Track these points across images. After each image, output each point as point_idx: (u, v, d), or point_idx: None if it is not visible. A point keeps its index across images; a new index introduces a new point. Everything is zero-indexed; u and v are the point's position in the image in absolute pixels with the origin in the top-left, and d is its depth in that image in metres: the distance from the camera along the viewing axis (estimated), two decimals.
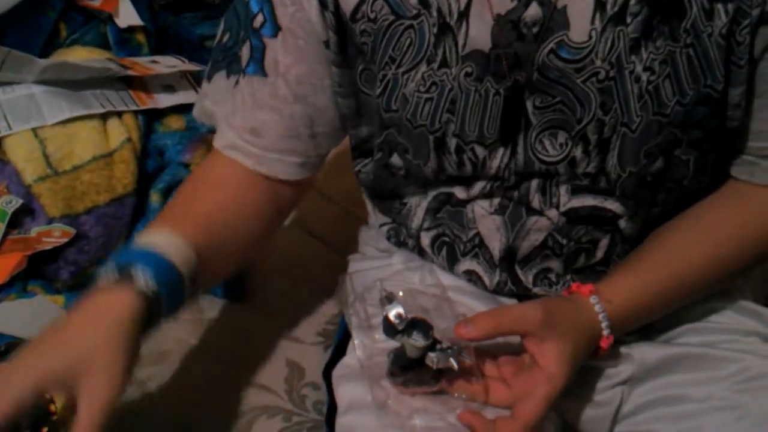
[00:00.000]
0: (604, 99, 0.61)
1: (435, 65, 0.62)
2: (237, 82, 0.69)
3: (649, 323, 0.73)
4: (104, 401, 0.53)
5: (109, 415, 0.52)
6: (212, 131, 1.07)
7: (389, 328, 0.60)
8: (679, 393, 0.69)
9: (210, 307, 0.95)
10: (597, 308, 0.63)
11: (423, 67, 0.63)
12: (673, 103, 0.61)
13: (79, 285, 0.96)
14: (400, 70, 0.63)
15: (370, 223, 0.85)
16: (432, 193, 0.70)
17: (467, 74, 0.62)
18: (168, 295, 0.59)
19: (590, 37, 0.60)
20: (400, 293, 0.66)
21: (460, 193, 0.68)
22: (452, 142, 0.64)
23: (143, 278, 0.57)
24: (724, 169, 0.70)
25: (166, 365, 0.87)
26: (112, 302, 0.56)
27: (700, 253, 0.67)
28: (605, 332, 0.64)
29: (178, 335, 0.91)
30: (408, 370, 0.62)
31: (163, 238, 0.61)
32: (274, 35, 0.66)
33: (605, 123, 0.61)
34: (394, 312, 0.60)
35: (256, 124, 0.69)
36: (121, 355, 0.55)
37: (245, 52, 0.68)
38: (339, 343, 0.75)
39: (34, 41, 1.03)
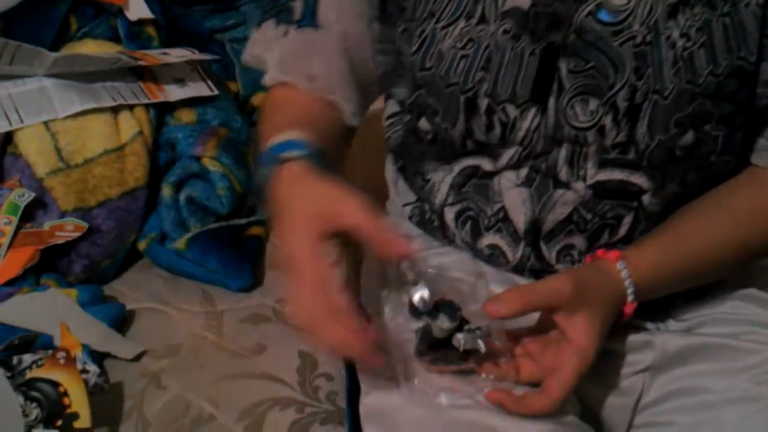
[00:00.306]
0: (638, 64, 0.61)
1: (474, 21, 0.64)
2: (287, 32, 0.73)
3: (670, 312, 0.73)
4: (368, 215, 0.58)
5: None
6: (223, 124, 1.09)
7: (414, 311, 0.60)
8: (699, 384, 0.69)
9: (221, 299, 0.96)
10: (624, 274, 0.64)
11: (461, 23, 0.64)
12: (707, 72, 0.62)
13: (91, 278, 0.96)
14: (439, 25, 0.65)
15: (389, 210, 0.85)
16: (457, 168, 0.71)
17: (505, 31, 0.63)
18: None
19: (629, 0, 0.60)
20: (429, 270, 0.65)
21: (486, 165, 0.69)
22: (483, 103, 0.65)
23: (291, 153, 0.62)
24: (747, 156, 0.70)
25: (178, 358, 0.87)
26: (297, 173, 0.61)
27: (723, 232, 0.68)
28: (630, 298, 0.64)
29: (190, 328, 0.91)
30: (435, 349, 0.62)
31: (288, 133, 0.66)
32: None
33: (637, 88, 0.62)
34: (418, 295, 0.60)
35: (310, 71, 0.74)
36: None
37: (298, 4, 0.73)
38: None
39: (44, 35, 1.04)
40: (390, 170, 0.84)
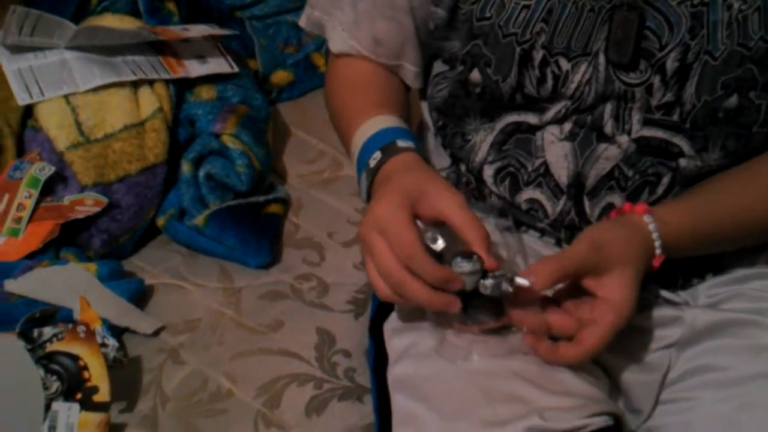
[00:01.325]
0: (693, 23, 0.63)
1: None
2: None
3: (699, 288, 0.73)
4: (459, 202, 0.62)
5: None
6: (243, 102, 1.08)
7: (431, 254, 0.60)
8: (725, 360, 0.69)
9: (240, 275, 0.96)
10: (651, 227, 0.64)
11: None
12: (758, 37, 0.63)
13: (110, 253, 0.97)
14: None
15: None
16: (500, 125, 0.71)
17: None
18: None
19: None
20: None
21: (531, 119, 0.70)
22: (538, 55, 0.66)
23: (405, 143, 0.66)
24: None
25: (196, 333, 0.88)
26: (408, 162, 0.65)
27: (753, 198, 0.68)
28: (658, 251, 0.64)
29: (208, 304, 0.92)
30: (467, 306, 0.62)
31: (385, 119, 0.69)
32: None
33: (690, 48, 0.63)
34: (430, 233, 0.61)
35: (378, 34, 0.74)
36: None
37: None
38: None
39: (64, 8, 1.03)
40: (422, 137, 0.83)
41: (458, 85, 0.72)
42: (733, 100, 0.64)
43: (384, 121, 0.69)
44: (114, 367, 0.78)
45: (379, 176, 0.65)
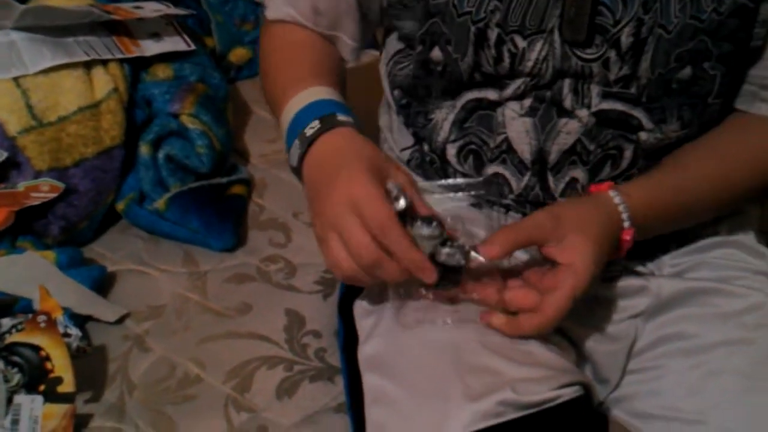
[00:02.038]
0: None
1: None
2: None
3: (663, 258, 0.73)
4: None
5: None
6: (200, 80, 1.06)
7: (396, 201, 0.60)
8: (690, 328, 0.70)
9: (204, 259, 0.94)
10: (617, 200, 0.64)
11: None
12: (711, 9, 0.63)
13: (69, 240, 0.94)
14: None
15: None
16: (460, 103, 0.71)
17: None
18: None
19: None
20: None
21: (491, 95, 0.69)
22: (493, 34, 0.65)
23: (345, 117, 0.65)
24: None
25: (161, 319, 0.86)
26: (351, 136, 0.64)
27: (711, 171, 0.69)
28: (626, 224, 0.64)
29: (173, 289, 0.90)
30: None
31: (324, 90, 0.68)
32: None
33: (644, 22, 0.63)
34: (395, 191, 0.60)
35: (318, 4, 0.73)
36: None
37: None
38: None
39: None
40: (384, 117, 0.83)
41: (419, 65, 0.71)
42: (687, 71, 0.65)
43: (323, 92, 0.67)
44: (78, 356, 0.76)
45: (320, 148, 0.63)
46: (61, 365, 0.73)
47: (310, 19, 0.74)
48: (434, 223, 0.60)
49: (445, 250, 0.60)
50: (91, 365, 0.79)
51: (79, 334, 0.78)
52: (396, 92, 0.78)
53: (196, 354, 0.82)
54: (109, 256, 0.94)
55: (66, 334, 0.76)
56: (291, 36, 0.75)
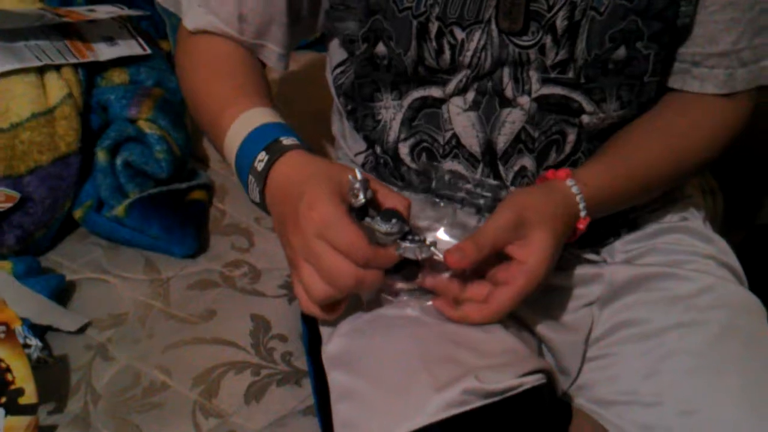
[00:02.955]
0: None
1: None
2: None
3: (615, 244, 0.76)
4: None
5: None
6: (157, 84, 1.04)
7: (354, 212, 0.60)
8: (642, 314, 0.73)
9: (166, 265, 0.93)
10: (574, 190, 0.66)
11: None
12: None
13: (25, 249, 0.92)
14: None
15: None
16: (407, 102, 0.72)
17: None
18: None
19: None
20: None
21: (436, 92, 0.70)
22: (434, 27, 0.66)
23: (288, 140, 0.64)
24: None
25: (124, 327, 0.85)
26: (300, 160, 0.63)
27: (658, 150, 0.71)
28: (582, 213, 0.66)
29: (135, 296, 0.89)
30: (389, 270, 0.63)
31: (260, 112, 0.67)
32: None
33: (577, 5, 0.65)
34: (358, 185, 0.60)
35: (243, 10, 0.71)
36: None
37: None
38: None
39: None
40: (337, 125, 0.83)
41: (365, 63, 0.72)
42: (621, 51, 0.67)
43: (260, 115, 0.66)
44: (39, 367, 0.75)
45: (274, 181, 0.63)
46: (22, 376, 0.72)
47: (234, 27, 0.72)
48: (393, 220, 0.60)
49: (405, 244, 0.60)
50: (53, 376, 0.77)
51: (39, 344, 0.76)
52: (342, 99, 0.78)
53: (161, 361, 0.81)
54: (67, 265, 0.92)
55: (26, 345, 0.75)
56: (213, 50, 0.73)
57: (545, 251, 0.62)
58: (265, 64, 0.77)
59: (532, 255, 0.62)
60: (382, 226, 0.60)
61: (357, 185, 0.60)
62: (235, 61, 0.73)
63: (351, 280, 0.58)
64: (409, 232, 0.61)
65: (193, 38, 0.74)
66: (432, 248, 0.61)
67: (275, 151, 0.63)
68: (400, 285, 0.65)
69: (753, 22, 0.69)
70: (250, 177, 0.64)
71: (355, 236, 0.57)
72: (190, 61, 0.75)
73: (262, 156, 0.63)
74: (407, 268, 0.64)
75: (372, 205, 0.62)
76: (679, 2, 0.67)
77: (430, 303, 0.66)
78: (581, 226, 0.66)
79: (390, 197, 0.62)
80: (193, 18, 0.73)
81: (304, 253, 0.59)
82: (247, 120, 0.66)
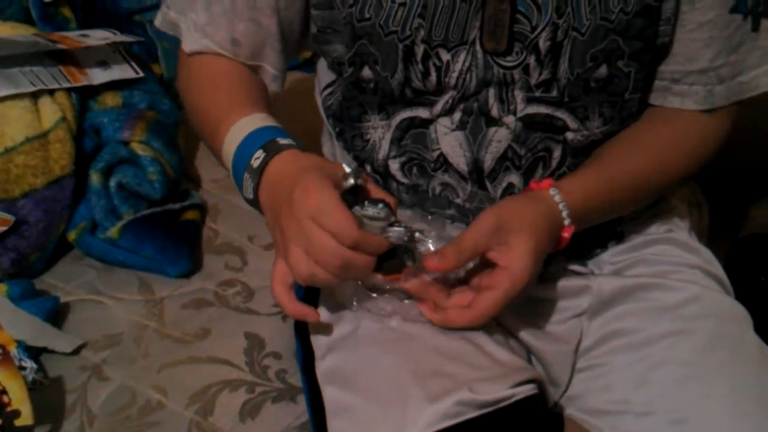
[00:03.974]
0: (559, 3, 0.66)
1: None
2: None
3: (603, 256, 0.77)
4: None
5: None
6: (150, 107, 1.06)
7: (343, 196, 0.61)
8: (631, 324, 0.73)
9: (160, 286, 0.94)
10: (557, 198, 0.67)
11: None
12: (618, 10, 0.67)
13: (20, 272, 0.92)
14: None
15: None
16: (395, 122, 0.73)
17: None
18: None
19: None
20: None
21: (423, 113, 0.72)
22: (420, 50, 0.68)
23: (286, 140, 0.66)
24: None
25: (119, 348, 0.85)
26: (295, 156, 0.65)
27: (642, 160, 0.73)
28: (566, 222, 0.67)
29: (129, 317, 0.89)
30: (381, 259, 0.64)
31: (259, 117, 0.69)
32: None
33: (559, 26, 0.66)
34: (348, 169, 0.61)
35: (236, 35, 0.73)
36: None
37: None
38: (305, 296, 0.75)
39: None
40: (327, 145, 0.85)
41: (351, 87, 0.74)
42: (603, 70, 0.68)
43: (258, 120, 0.69)
44: (34, 389, 0.75)
45: (270, 175, 0.65)
46: (18, 398, 0.72)
47: (228, 50, 0.74)
48: (380, 205, 0.61)
49: (392, 228, 0.62)
50: (49, 397, 0.78)
51: (35, 366, 0.77)
52: (331, 120, 0.80)
53: (156, 381, 0.81)
54: (62, 287, 0.93)
55: (21, 367, 0.75)
56: (213, 67, 0.76)
57: (528, 256, 0.63)
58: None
59: (514, 260, 0.63)
60: (368, 210, 0.61)
61: (348, 170, 0.62)
62: (233, 75, 0.75)
63: (338, 260, 0.59)
64: (395, 222, 0.62)
65: (192, 59, 0.76)
66: (418, 233, 0.62)
67: (271, 150, 0.65)
68: (380, 278, 0.66)
69: (729, 40, 0.70)
70: (246, 174, 0.66)
71: (345, 219, 0.59)
72: (190, 79, 0.77)
73: (259, 154, 0.65)
74: (391, 263, 0.65)
75: (360, 196, 0.63)
76: (658, 22, 0.69)
77: (414, 312, 0.66)
78: (566, 234, 0.67)
79: (380, 193, 0.64)
80: (190, 42, 0.75)
81: (296, 235, 0.61)
82: (244, 125, 0.68)
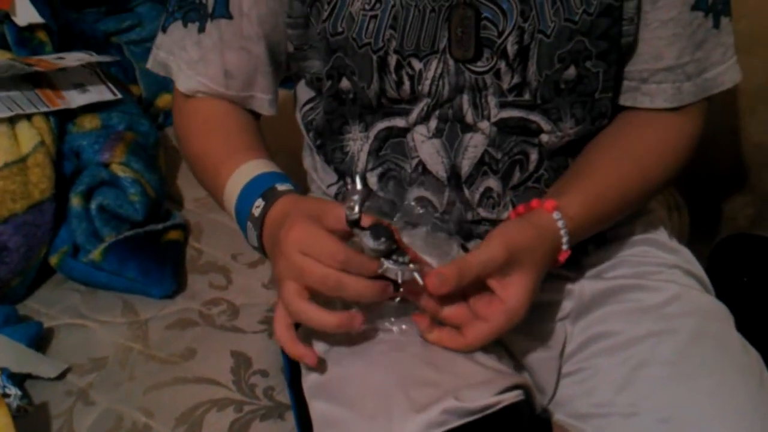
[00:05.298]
0: (523, 7, 0.68)
1: None
2: (203, 29, 0.74)
3: (583, 259, 0.78)
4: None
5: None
6: (129, 128, 1.05)
7: (347, 222, 0.61)
8: (613, 326, 0.74)
9: (144, 307, 0.93)
10: (560, 224, 0.67)
11: None
12: (581, 11, 0.68)
13: (1, 298, 0.92)
14: None
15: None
16: (373, 133, 0.74)
17: None
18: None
19: None
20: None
21: (399, 122, 0.73)
22: (392, 60, 0.69)
23: (283, 186, 0.68)
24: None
25: (105, 371, 0.85)
26: (292, 201, 0.67)
27: (627, 172, 0.73)
28: (564, 247, 0.68)
29: (114, 340, 0.89)
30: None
31: (257, 164, 0.71)
32: None
33: (525, 30, 0.68)
34: (348, 208, 0.60)
35: (228, 66, 0.75)
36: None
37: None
38: None
39: None
40: (308, 160, 0.85)
41: (332, 99, 0.75)
42: (571, 71, 0.70)
43: (255, 167, 0.70)
44: (19, 416, 0.74)
45: (270, 221, 0.66)
46: (2, 426, 0.71)
47: (221, 83, 0.76)
48: (382, 239, 0.61)
49: (387, 264, 0.61)
50: (34, 424, 0.77)
51: (19, 393, 0.76)
52: (311, 134, 0.81)
53: (143, 403, 0.80)
54: (45, 312, 0.92)
55: (5, 395, 0.74)
56: (207, 111, 0.77)
57: (526, 295, 0.64)
58: (259, 116, 0.80)
59: (512, 297, 0.63)
60: (370, 243, 0.61)
61: (355, 197, 0.61)
62: (228, 119, 0.77)
63: (331, 281, 0.60)
64: (395, 250, 0.62)
65: (187, 101, 0.78)
66: (415, 273, 0.62)
67: (270, 197, 0.67)
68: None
69: (692, 37, 0.72)
70: (249, 224, 0.68)
71: (330, 242, 0.60)
72: (186, 123, 0.79)
73: (259, 203, 0.67)
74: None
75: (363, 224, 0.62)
76: (621, 21, 0.71)
77: (404, 327, 0.66)
78: (561, 259, 0.68)
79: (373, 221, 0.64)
80: (184, 81, 0.77)
81: (286, 270, 0.62)
82: (243, 172, 0.70)
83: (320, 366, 0.68)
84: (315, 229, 0.61)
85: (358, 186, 0.61)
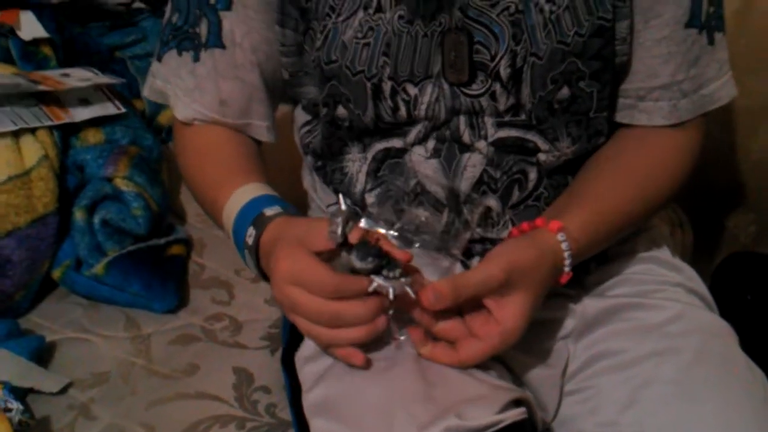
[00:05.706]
0: (515, 31, 0.68)
1: (371, 11, 0.69)
2: (197, 58, 0.75)
3: (585, 278, 0.78)
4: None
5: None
6: (133, 143, 1.06)
7: (333, 234, 0.61)
8: (615, 345, 0.74)
9: (147, 322, 0.93)
10: (564, 246, 0.67)
11: (360, 14, 0.69)
12: (573, 33, 0.69)
13: (5, 312, 0.92)
14: (340, 19, 0.70)
15: (312, 217, 0.85)
16: (371, 154, 0.74)
17: (400, 17, 0.69)
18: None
19: None
20: (362, 222, 0.64)
21: (397, 143, 0.73)
22: (387, 87, 0.70)
23: (271, 210, 0.68)
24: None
25: (107, 386, 0.84)
26: (279, 226, 0.66)
27: (632, 192, 0.74)
28: (566, 269, 0.67)
29: (116, 354, 0.88)
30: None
31: (246, 189, 0.71)
32: (228, 8, 0.73)
33: (517, 53, 0.68)
34: (333, 228, 0.60)
35: (223, 95, 0.76)
36: None
37: (203, 29, 0.74)
38: (292, 330, 0.75)
39: None
40: (307, 179, 0.85)
41: (328, 126, 0.75)
42: (565, 91, 0.70)
43: (246, 193, 0.71)
44: (21, 430, 0.74)
45: (263, 249, 0.67)
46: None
47: (217, 111, 0.76)
48: (369, 258, 0.60)
49: (377, 281, 0.61)
50: None
51: (21, 407, 0.76)
52: (309, 157, 0.81)
53: (145, 419, 0.80)
54: (47, 326, 0.92)
55: (7, 409, 0.74)
56: (204, 138, 0.78)
57: (524, 316, 0.63)
58: (260, 141, 0.80)
59: (509, 318, 0.63)
60: (357, 263, 0.61)
61: (338, 219, 0.60)
62: (224, 147, 0.78)
63: (326, 315, 0.60)
64: (386, 264, 0.61)
65: (185, 128, 0.79)
66: (406, 287, 0.61)
67: (260, 225, 0.67)
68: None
69: (687, 54, 0.72)
70: (246, 252, 0.69)
71: (317, 272, 0.60)
72: (186, 151, 0.80)
73: (251, 231, 0.67)
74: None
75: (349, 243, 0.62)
76: (614, 42, 0.71)
77: (403, 338, 0.66)
78: (564, 280, 0.68)
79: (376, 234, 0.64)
80: (181, 109, 0.77)
81: (286, 305, 0.62)
82: (236, 199, 0.70)
83: (321, 383, 0.67)
84: (302, 258, 0.61)
85: (342, 206, 0.61)
